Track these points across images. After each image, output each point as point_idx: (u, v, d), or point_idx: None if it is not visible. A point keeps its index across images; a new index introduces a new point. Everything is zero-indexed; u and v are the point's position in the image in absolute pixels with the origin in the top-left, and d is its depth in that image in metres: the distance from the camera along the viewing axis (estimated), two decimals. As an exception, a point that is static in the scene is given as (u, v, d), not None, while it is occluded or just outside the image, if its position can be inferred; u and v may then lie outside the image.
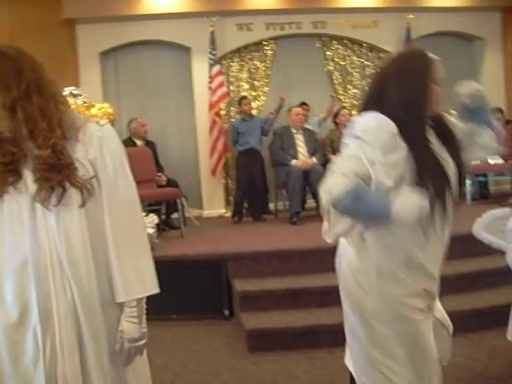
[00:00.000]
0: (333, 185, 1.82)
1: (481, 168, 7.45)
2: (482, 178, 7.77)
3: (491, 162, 7.29)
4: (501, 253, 3.06)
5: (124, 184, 1.72)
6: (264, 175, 7.50)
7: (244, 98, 7.72)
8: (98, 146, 1.69)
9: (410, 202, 1.73)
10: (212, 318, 4.68)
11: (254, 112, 8.00)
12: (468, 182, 7.40)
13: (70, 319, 1.63)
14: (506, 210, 2.97)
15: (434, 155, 1.90)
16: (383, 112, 1.89)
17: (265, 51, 8.73)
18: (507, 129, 7.43)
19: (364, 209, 1.79)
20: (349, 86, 8.92)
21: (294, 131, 6.79)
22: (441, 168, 1.90)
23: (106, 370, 1.68)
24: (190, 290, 4.71)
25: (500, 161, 7.21)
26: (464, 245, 3.87)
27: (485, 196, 7.87)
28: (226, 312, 4.70)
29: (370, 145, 1.82)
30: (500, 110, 8.20)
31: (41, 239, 1.63)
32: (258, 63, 8.72)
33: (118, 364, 1.72)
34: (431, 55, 2.04)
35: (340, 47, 8.94)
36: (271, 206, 7.60)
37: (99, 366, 1.67)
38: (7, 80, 1.61)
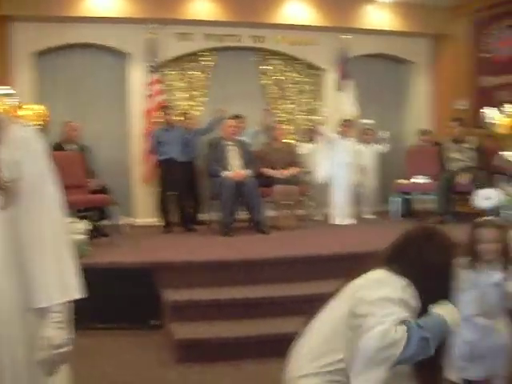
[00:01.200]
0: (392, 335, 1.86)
1: (407, 186, 7.73)
2: (407, 196, 8.04)
3: (417, 180, 7.58)
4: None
5: (47, 187, 1.70)
6: (194, 185, 7.52)
7: (168, 107, 7.65)
8: (22, 148, 1.66)
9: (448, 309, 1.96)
10: (140, 327, 4.64)
11: (192, 122, 8.02)
12: (394, 199, 7.67)
13: None
14: None
15: None
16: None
17: (204, 62, 8.77)
18: (433, 150, 7.78)
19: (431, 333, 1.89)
20: (284, 101, 9.09)
21: (227, 143, 6.83)
22: None
23: (23, 378, 1.65)
24: (118, 299, 4.65)
25: (426, 179, 7.49)
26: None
27: (409, 213, 8.16)
28: (155, 322, 4.67)
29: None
30: (427, 132, 8.55)
31: None
32: (196, 73, 8.75)
33: (38, 374, 1.67)
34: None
35: (277, 62, 9.10)
36: (204, 216, 7.63)
37: (14, 375, 1.63)
38: None
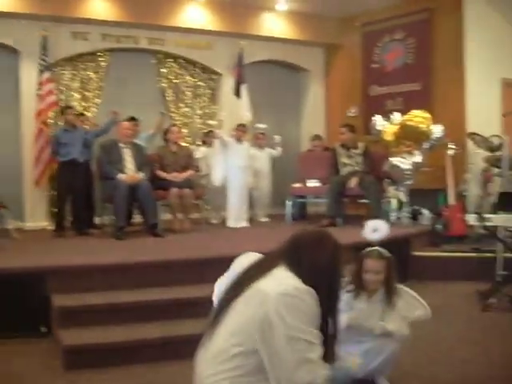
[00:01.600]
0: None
1: (300, 190, 7.97)
2: (301, 200, 8.29)
3: (309, 184, 7.83)
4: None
5: None
6: (89, 188, 7.37)
7: (68, 107, 7.46)
8: None
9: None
10: (28, 335, 4.48)
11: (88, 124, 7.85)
12: (288, 203, 7.88)
13: None
14: None
15: None
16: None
17: (99, 62, 8.60)
18: (325, 155, 8.06)
19: None
20: (180, 104, 9.10)
21: (122, 145, 6.74)
22: None
23: None
24: (7, 306, 4.47)
25: (318, 184, 7.75)
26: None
27: (303, 216, 8.41)
28: (44, 329, 4.52)
29: None
30: (319, 138, 8.86)
31: None
32: (91, 74, 8.55)
33: None
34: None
35: (174, 65, 9.09)
36: (97, 219, 7.48)
37: None
38: None
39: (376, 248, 3.15)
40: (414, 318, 3.18)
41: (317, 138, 8.83)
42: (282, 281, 2.04)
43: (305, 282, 2.02)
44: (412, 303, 3.21)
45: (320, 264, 2.09)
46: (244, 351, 1.99)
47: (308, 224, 7.56)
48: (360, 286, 3.15)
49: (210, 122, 8.84)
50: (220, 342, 2.06)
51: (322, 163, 7.77)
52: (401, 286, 3.25)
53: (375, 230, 3.19)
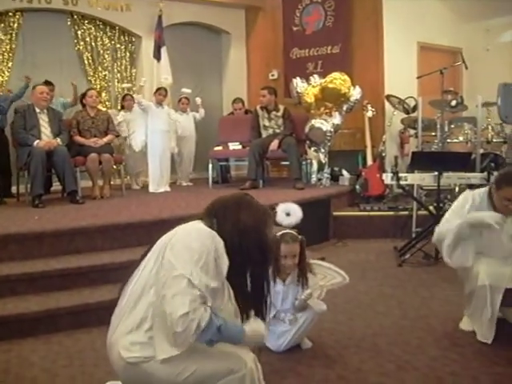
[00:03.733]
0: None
1: (221, 153, 7.96)
2: (223, 163, 8.29)
3: (231, 147, 7.83)
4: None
5: None
6: (4, 155, 7.08)
7: None
8: None
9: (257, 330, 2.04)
10: None
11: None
12: (210, 166, 7.86)
13: None
14: None
15: None
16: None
17: (10, 23, 8.19)
18: (246, 118, 8.07)
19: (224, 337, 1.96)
20: (99, 68, 8.84)
21: (38, 110, 6.48)
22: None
23: None
24: None
25: (239, 147, 7.76)
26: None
27: (226, 180, 8.43)
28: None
29: None
30: (241, 101, 8.84)
31: None
32: (1, 36, 8.14)
33: None
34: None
35: (92, 27, 8.79)
36: (13, 189, 7.22)
37: None
38: None
39: (288, 231, 3.11)
40: (332, 285, 3.22)
41: (238, 100, 8.81)
42: (186, 226, 2.08)
43: (225, 239, 2.02)
44: (328, 274, 3.26)
45: (243, 224, 2.08)
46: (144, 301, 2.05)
47: (230, 187, 7.60)
48: (276, 271, 3.12)
49: (125, 85, 8.63)
50: (128, 299, 2.10)
51: (243, 126, 7.77)
52: (313, 261, 3.31)
53: (288, 213, 3.15)
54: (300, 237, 3.13)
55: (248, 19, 10.01)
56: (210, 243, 1.97)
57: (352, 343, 3.34)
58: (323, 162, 7.32)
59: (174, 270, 1.92)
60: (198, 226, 2.06)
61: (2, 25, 8.15)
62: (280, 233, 3.10)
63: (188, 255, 1.93)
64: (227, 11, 9.72)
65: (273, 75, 9.49)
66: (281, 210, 3.17)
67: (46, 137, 6.39)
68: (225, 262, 1.99)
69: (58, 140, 6.38)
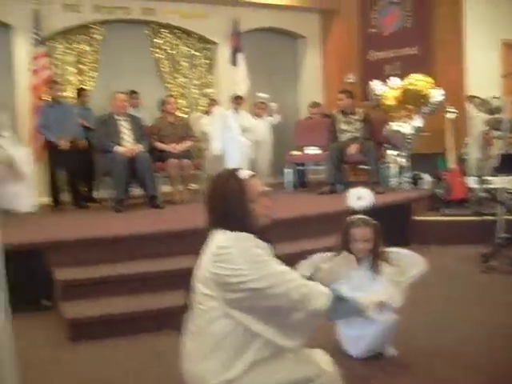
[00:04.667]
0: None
1: (299, 157, 7.94)
2: (300, 167, 8.26)
3: (308, 152, 7.79)
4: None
5: None
6: (87, 162, 7.34)
7: (53, 82, 7.36)
8: None
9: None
10: (30, 309, 4.49)
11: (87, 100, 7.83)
12: (287, 170, 7.85)
13: None
14: (328, 254, 3.20)
15: None
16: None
17: (93, 35, 8.51)
18: (324, 122, 8.02)
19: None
20: (177, 75, 9.01)
21: (119, 118, 6.68)
22: None
23: None
24: (8, 281, 4.47)
25: (317, 151, 7.72)
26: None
27: (303, 184, 8.39)
28: (46, 302, 4.54)
29: None
30: (318, 105, 8.79)
31: None
32: (85, 47, 8.46)
33: None
34: (242, 173, 2.18)
35: (169, 36, 8.98)
36: (97, 193, 7.46)
37: None
38: None
39: (360, 216, 3.13)
40: (410, 278, 3.11)
41: (315, 104, 8.77)
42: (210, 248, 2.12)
43: (232, 227, 2.07)
44: (406, 263, 3.17)
45: (229, 203, 2.11)
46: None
47: (307, 192, 7.57)
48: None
49: (207, 92, 8.78)
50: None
51: (320, 130, 7.72)
52: (389, 249, 3.23)
53: (359, 197, 3.17)
54: (374, 222, 3.12)
55: (323, 23, 9.96)
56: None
57: (436, 352, 3.22)
58: (403, 165, 7.16)
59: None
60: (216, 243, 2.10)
61: (86, 37, 8.46)
62: (353, 217, 3.14)
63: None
64: (302, 16, 9.70)
65: (349, 78, 9.38)
66: (352, 194, 3.20)
67: (128, 143, 6.57)
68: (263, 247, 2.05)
69: (139, 146, 6.55)
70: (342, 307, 2.03)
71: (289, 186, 7.85)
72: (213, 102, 8.06)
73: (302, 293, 1.99)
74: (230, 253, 2.02)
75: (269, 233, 2.18)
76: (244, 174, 2.19)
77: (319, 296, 2.00)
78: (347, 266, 2.73)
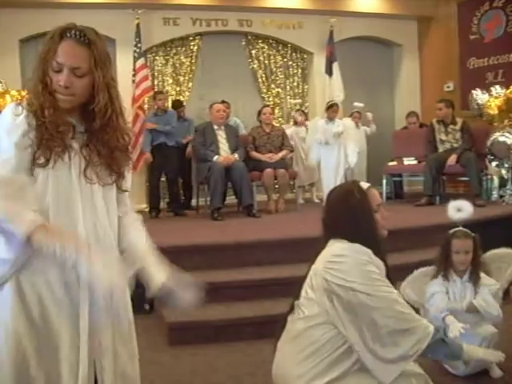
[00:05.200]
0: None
1: (396, 168, 7.77)
2: (397, 178, 8.09)
3: (406, 162, 7.62)
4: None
5: None
6: (185, 170, 7.51)
7: (158, 93, 7.64)
8: None
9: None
10: (134, 312, 4.63)
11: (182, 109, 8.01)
12: (384, 181, 7.70)
13: None
14: (431, 268, 3.22)
15: None
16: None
17: (190, 46, 8.75)
18: (421, 132, 7.81)
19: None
20: (272, 85, 9.07)
21: (216, 127, 6.81)
22: None
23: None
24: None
25: (414, 161, 7.53)
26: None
27: (399, 195, 8.20)
28: (147, 306, 4.67)
29: None
30: (415, 114, 8.58)
31: None
32: (183, 58, 8.71)
33: None
34: (363, 185, 2.21)
35: (265, 46, 9.07)
36: (193, 201, 7.62)
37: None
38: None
39: (460, 228, 3.14)
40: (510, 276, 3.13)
41: (412, 114, 8.56)
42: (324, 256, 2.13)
43: (353, 239, 2.07)
44: (501, 262, 3.21)
45: (355, 214, 2.12)
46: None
47: (404, 203, 7.39)
48: (449, 268, 3.14)
49: (295, 101, 8.83)
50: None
51: (418, 140, 7.52)
52: (493, 252, 3.26)
53: (459, 209, 3.16)
54: (473, 234, 3.12)
55: (420, 30, 9.73)
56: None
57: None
58: (505, 177, 6.85)
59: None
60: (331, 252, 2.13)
61: (184, 48, 8.71)
62: (454, 230, 3.14)
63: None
64: (398, 23, 9.53)
65: (448, 87, 9.10)
66: (452, 206, 3.17)
67: (224, 152, 6.67)
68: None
69: (236, 155, 6.63)
70: (441, 349, 2.02)
71: (384, 197, 7.69)
72: (302, 112, 8.09)
73: (408, 326, 1.96)
74: (345, 262, 2.01)
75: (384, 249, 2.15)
76: (364, 185, 2.18)
77: (423, 334, 1.97)
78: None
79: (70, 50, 1.67)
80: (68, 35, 1.68)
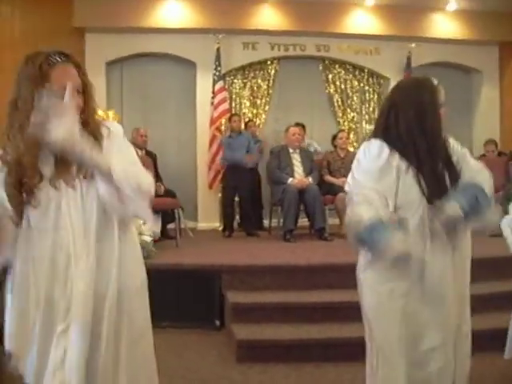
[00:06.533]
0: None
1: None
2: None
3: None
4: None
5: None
6: (257, 192, 7.66)
7: (234, 115, 7.85)
8: (118, 137, 2.06)
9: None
10: (203, 327, 4.77)
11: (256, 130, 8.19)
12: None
13: None
14: None
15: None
16: (391, 139, 2.19)
17: (268, 70, 8.92)
18: (499, 160, 7.63)
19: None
20: (348, 110, 9.11)
21: (291, 151, 6.93)
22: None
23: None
24: (183, 299, 4.80)
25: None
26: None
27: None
28: (218, 322, 4.79)
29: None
30: (494, 142, 8.39)
31: None
32: (260, 82, 8.90)
33: None
34: (434, 81, 2.26)
35: (341, 71, 9.14)
36: (266, 222, 7.73)
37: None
38: None
39: None
40: None
41: (491, 142, 8.37)
42: None
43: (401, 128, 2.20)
44: None
45: (422, 103, 2.20)
46: None
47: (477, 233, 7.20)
48: None
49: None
50: None
51: (496, 169, 7.34)
52: None
53: None
54: None
55: (502, 56, 9.52)
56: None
57: None
58: None
59: None
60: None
61: (262, 72, 8.91)
62: None
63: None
64: (478, 49, 9.36)
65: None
66: None
67: (299, 175, 6.77)
68: None
69: (310, 179, 6.71)
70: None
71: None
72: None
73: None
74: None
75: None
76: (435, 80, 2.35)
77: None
78: None
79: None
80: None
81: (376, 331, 2.22)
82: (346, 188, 2.25)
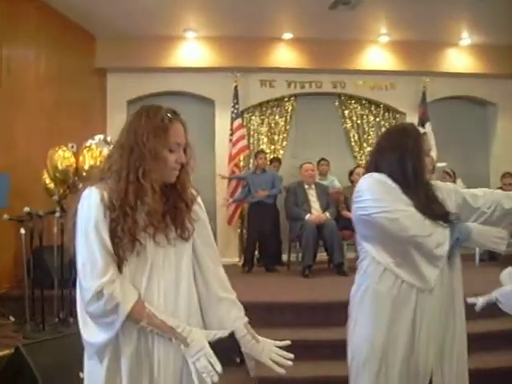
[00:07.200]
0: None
1: (491, 230, 7.57)
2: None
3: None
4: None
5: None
6: (276, 227, 7.73)
7: (260, 152, 7.93)
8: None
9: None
10: (223, 363, 4.76)
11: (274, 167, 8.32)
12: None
13: None
14: None
15: None
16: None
17: (285, 107, 9.08)
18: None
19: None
20: (364, 145, 9.21)
21: (307, 186, 7.04)
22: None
23: None
24: (203, 336, 4.83)
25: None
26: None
27: (493, 257, 7.99)
28: (238, 359, 4.80)
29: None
30: (511, 175, 8.39)
31: None
32: (277, 118, 9.06)
33: None
34: (421, 129, 2.49)
35: (358, 106, 9.27)
36: (284, 257, 7.79)
37: None
38: None
39: None
40: None
41: (508, 175, 8.38)
42: None
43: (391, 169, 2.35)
44: None
45: (404, 147, 2.34)
46: None
47: (498, 266, 7.18)
48: None
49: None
50: None
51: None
52: None
53: None
54: None
55: (515, 89, 9.60)
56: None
57: None
58: None
59: None
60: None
61: (279, 109, 9.07)
62: None
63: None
64: (493, 82, 9.45)
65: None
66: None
67: (316, 211, 6.85)
68: None
69: (327, 214, 6.79)
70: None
71: (477, 259, 7.54)
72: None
73: None
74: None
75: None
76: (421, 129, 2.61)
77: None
78: None
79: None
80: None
81: None
82: (362, 212, 2.36)
